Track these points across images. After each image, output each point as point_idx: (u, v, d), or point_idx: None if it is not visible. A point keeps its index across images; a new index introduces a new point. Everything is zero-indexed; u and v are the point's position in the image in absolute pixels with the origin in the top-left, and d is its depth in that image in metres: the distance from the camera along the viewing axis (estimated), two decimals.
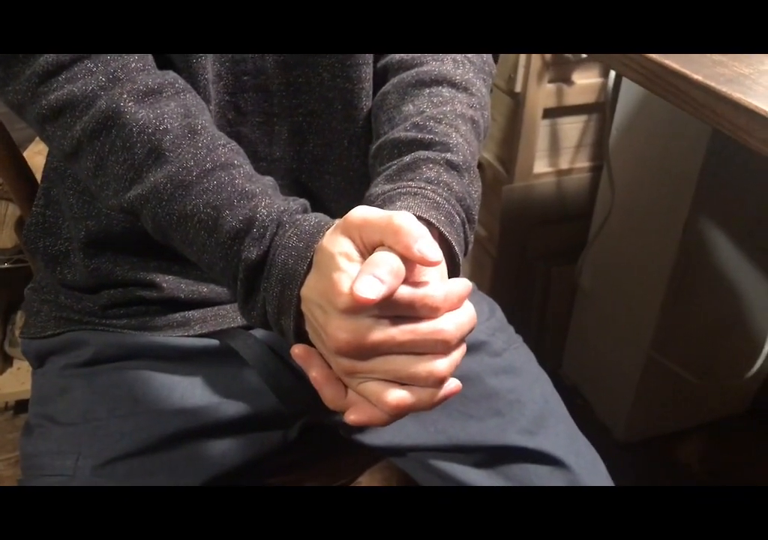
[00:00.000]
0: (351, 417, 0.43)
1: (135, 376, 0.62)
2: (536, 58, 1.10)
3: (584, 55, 1.12)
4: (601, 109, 1.21)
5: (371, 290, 0.38)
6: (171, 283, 0.61)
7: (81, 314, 0.64)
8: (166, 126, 0.47)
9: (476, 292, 0.75)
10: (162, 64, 0.52)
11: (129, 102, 0.48)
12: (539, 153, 1.23)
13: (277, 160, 0.61)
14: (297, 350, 0.45)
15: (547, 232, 1.33)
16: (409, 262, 0.40)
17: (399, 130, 0.53)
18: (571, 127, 1.23)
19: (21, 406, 1.38)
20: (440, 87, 0.55)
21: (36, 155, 1.08)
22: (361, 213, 0.41)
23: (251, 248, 0.45)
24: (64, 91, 0.48)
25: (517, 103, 1.17)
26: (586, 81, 1.17)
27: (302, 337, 0.45)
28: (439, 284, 0.41)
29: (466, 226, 0.49)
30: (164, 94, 0.49)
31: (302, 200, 0.49)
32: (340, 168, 0.62)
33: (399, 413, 0.41)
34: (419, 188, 0.47)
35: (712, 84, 0.55)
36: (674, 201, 1.09)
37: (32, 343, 0.66)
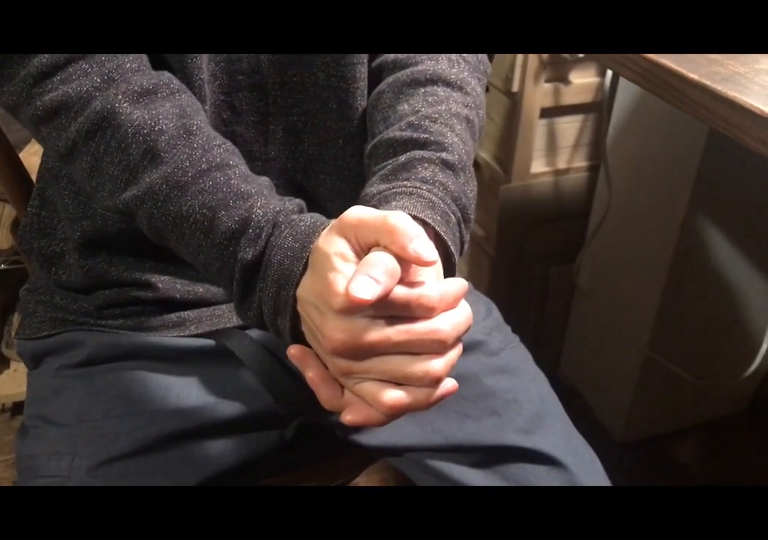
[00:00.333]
0: (347, 417, 0.43)
1: (130, 376, 0.62)
2: (533, 58, 1.10)
3: (581, 55, 1.12)
4: (598, 108, 1.21)
5: (366, 291, 0.37)
6: (166, 284, 0.61)
7: (76, 315, 0.64)
8: (162, 126, 0.47)
9: (473, 291, 0.75)
10: (157, 65, 0.51)
11: (124, 103, 0.48)
12: (536, 152, 1.23)
13: (272, 159, 0.61)
14: (293, 351, 0.45)
15: (545, 231, 1.33)
16: (405, 262, 0.40)
17: (394, 129, 0.53)
18: (568, 127, 1.23)
19: (18, 407, 1.37)
20: (435, 86, 0.55)
21: (32, 156, 1.08)
22: (356, 213, 0.41)
23: (247, 249, 0.45)
24: (58, 92, 0.48)
25: (514, 102, 1.17)
26: (582, 80, 1.17)
27: (298, 338, 0.45)
28: (434, 284, 0.41)
29: (462, 225, 0.49)
30: (159, 95, 0.49)
31: (298, 200, 0.49)
32: (335, 167, 0.62)
33: (395, 413, 0.41)
34: (414, 188, 0.47)
35: (708, 83, 0.55)
36: (671, 200, 1.09)
37: (27, 344, 0.66)
